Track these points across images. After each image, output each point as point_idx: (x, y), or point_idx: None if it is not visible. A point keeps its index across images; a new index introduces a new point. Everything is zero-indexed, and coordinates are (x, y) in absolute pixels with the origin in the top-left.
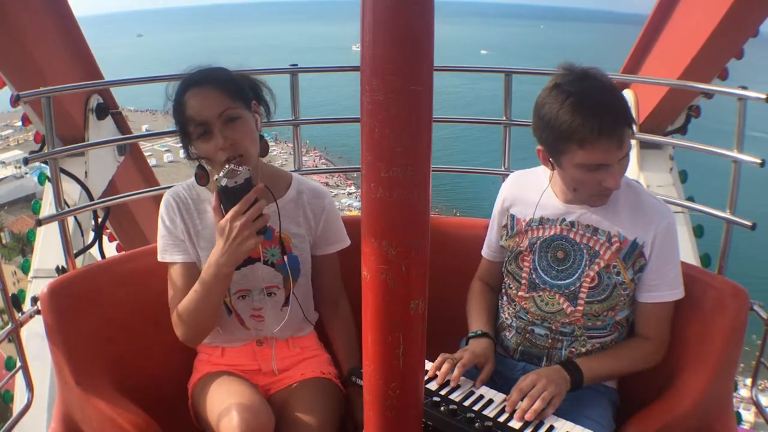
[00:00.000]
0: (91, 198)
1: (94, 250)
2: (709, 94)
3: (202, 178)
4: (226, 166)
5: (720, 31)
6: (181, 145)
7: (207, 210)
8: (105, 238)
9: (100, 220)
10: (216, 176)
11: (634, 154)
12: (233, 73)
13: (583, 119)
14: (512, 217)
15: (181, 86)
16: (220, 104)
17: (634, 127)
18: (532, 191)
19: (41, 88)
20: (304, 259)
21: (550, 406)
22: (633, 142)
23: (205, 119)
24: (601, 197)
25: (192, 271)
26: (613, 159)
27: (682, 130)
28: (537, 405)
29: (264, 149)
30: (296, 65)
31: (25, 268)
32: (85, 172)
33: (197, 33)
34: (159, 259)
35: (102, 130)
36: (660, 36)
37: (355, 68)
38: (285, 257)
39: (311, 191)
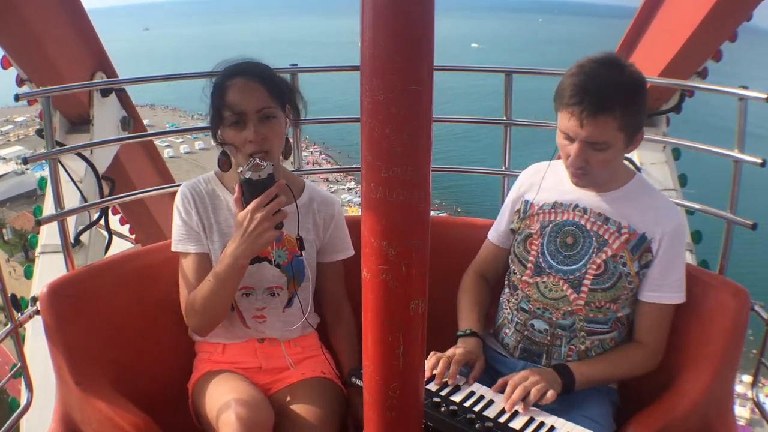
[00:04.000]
0: (96, 174)
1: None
2: (703, 73)
3: (225, 164)
4: (251, 160)
5: (714, 13)
6: (209, 126)
7: (221, 206)
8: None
9: (106, 194)
10: (240, 169)
11: None
12: (276, 73)
13: (571, 84)
14: (526, 202)
15: (226, 71)
16: (261, 100)
17: (622, 131)
18: (548, 179)
19: (40, 88)
20: (310, 263)
21: (544, 400)
22: None
23: (244, 110)
24: (575, 175)
25: (205, 262)
26: (576, 134)
27: (677, 110)
28: (516, 394)
29: (288, 151)
30: (296, 65)
31: (32, 244)
32: (90, 149)
33: (207, 27)
34: (173, 249)
35: (106, 107)
36: (655, 16)
37: (355, 68)
38: (292, 258)
39: (321, 199)
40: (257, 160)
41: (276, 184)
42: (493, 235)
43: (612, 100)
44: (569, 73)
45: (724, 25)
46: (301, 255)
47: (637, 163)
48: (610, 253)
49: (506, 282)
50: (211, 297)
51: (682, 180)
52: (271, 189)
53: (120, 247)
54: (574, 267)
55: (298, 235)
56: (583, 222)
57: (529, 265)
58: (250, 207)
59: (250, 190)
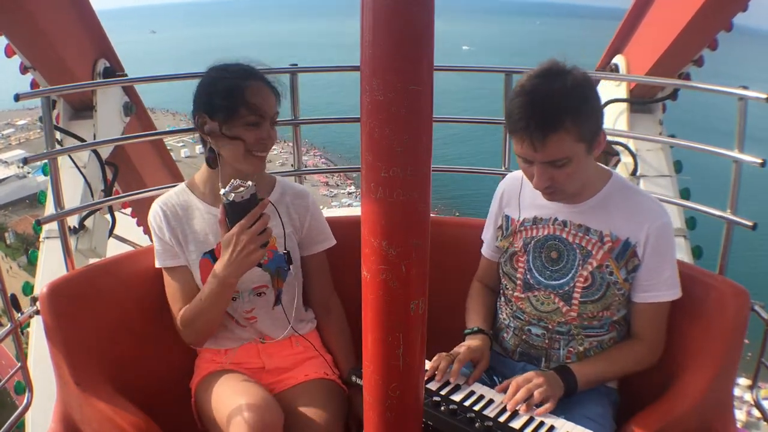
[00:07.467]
0: (99, 159)
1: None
2: (698, 61)
3: (215, 161)
4: (232, 181)
5: (711, 2)
6: (205, 121)
7: (194, 215)
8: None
9: (110, 180)
10: (222, 191)
11: (624, 118)
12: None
13: (517, 109)
14: (506, 217)
15: (239, 74)
16: (274, 106)
17: (579, 142)
18: (527, 191)
19: (40, 88)
20: (292, 256)
21: (544, 407)
22: (625, 105)
23: (265, 113)
24: (545, 194)
25: (185, 274)
26: (533, 158)
27: (673, 97)
28: (520, 395)
29: None
30: (296, 65)
31: (36, 231)
32: (94, 135)
33: (213, 29)
34: (156, 264)
35: (109, 93)
36: (651, 5)
37: (355, 68)
38: (272, 255)
39: (293, 193)
40: (239, 182)
41: (260, 204)
42: (486, 251)
43: (559, 115)
44: (512, 96)
45: (720, 13)
46: (287, 251)
47: (633, 150)
48: (595, 264)
49: (501, 292)
50: (204, 314)
51: (678, 166)
52: (255, 209)
53: (124, 228)
54: (562, 281)
55: (285, 249)
56: (564, 235)
57: (518, 282)
58: (235, 229)
59: (234, 212)
